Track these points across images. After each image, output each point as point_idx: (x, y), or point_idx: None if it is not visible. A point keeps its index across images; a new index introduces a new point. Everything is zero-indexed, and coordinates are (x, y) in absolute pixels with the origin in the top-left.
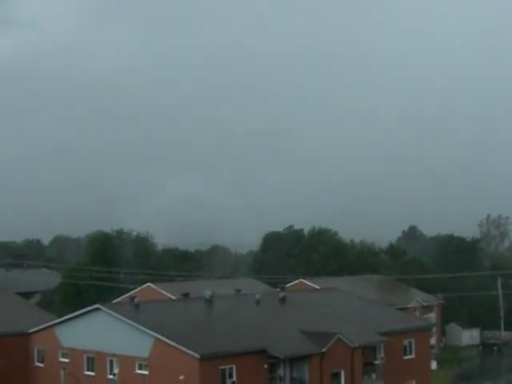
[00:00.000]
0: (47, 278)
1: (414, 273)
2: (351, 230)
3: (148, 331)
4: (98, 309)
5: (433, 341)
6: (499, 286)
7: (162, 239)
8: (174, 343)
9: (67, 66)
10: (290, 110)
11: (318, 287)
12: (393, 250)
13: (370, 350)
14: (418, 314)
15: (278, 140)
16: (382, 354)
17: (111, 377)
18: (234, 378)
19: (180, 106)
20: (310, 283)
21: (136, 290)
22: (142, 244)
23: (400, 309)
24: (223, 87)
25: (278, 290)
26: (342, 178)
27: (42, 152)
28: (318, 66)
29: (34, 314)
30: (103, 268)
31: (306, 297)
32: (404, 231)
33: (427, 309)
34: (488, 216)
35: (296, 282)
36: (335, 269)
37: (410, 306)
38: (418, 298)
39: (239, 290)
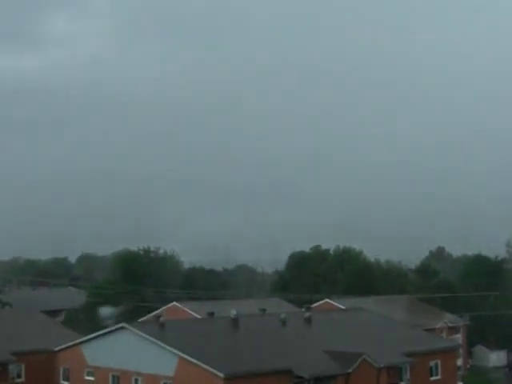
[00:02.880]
0: (73, 296)
1: (442, 293)
2: (376, 249)
3: (173, 350)
4: (123, 327)
5: (459, 362)
6: None
7: (188, 258)
8: (198, 362)
9: (95, 82)
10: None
11: (343, 307)
12: (424, 270)
13: (395, 371)
14: (444, 335)
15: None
16: (408, 375)
17: None
18: None
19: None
20: (335, 303)
21: (162, 309)
22: (169, 262)
23: (427, 330)
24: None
25: (303, 309)
26: (366, 198)
27: (69, 170)
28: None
29: (59, 332)
30: (129, 286)
31: (331, 317)
32: (431, 251)
33: (454, 330)
34: None
35: (322, 302)
36: (361, 288)
37: (436, 326)
38: (445, 319)
39: (264, 310)
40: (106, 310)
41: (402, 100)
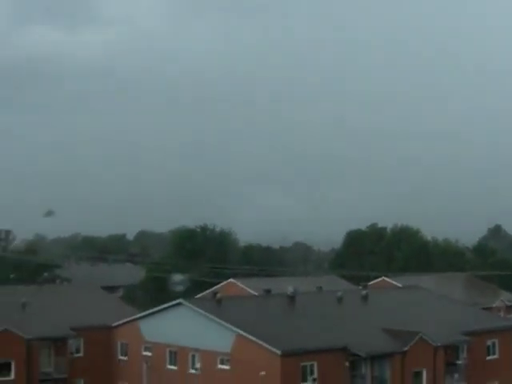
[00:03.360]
0: (131, 273)
1: (499, 272)
2: (434, 228)
3: (230, 327)
4: (180, 304)
5: None
6: None
7: (245, 236)
8: (255, 339)
9: (156, 58)
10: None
11: (400, 285)
12: (481, 249)
13: (452, 350)
14: (502, 313)
15: None
16: (465, 354)
17: (193, 371)
18: (315, 375)
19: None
20: (392, 281)
21: (218, 286)
22: (225, 240)
23: (484, 308)
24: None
25: (360, 287)
26: (425, 176)
27: (129, 150)
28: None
29: (118, 307)
30: (186, 263)
31: (388, 295)
32: (489, 229)
33: (511, 309)
34: None
35: (378, 279)
36: (418, 267)
37: (494, 305)
38: (503, 297)
39: (321, 287)
40: (177, 277)
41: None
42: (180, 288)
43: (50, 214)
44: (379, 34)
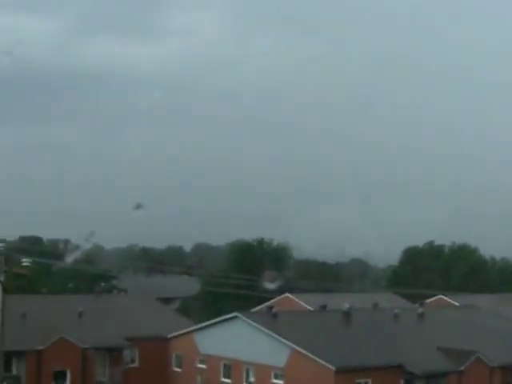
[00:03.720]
0: (187, 285)
1: None
2: (492, 246)
3: (285, 341)
4: (235, 317)
5: None
6: None
7: (302, 251)
8: (310, 354)
9: (213, 74)
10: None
11: (457, 304)
12: None
13: (509, 371)
14: None
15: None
16: None
17: None
18: None
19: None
20: (449, 300)
21: (274, 300)
22: (282, 254)
23: None
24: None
25: (416, 305)
26: (482, 194)
27: (189, 162)
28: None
29: (173, 319)
30: (243, 276)
31: (445, 313)
32: None
33: None
34: None
35: (435, 298)
36: (475, 286)
37: None
38: None
39: (377, 304)
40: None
41: None
42: (272, 287)
43: (139, 207)
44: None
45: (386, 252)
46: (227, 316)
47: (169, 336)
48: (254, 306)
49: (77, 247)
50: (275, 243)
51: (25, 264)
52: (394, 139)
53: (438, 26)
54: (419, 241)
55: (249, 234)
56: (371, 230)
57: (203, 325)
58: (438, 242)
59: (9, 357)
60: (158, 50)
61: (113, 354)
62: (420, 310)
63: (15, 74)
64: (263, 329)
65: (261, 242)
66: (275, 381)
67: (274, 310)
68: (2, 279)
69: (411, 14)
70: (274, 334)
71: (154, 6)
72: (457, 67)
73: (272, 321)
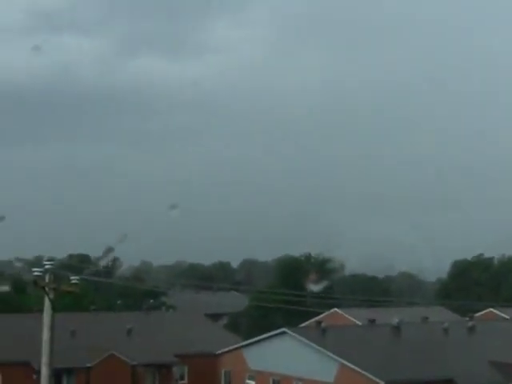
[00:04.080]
0: (235, 301)
1: None
2: None
3: (334, 356)
4: (284, 332)
5: None
6: None
7: (351, 265)
8: (359, 369)
9: (259, 93)
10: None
11: (507, 317)
12: None
13: None
14: None
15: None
16: None
17: None
18: None
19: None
20: (499, 313)
21: (323, 315)
22: (330, 268)
23: None
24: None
25: (466, 319)
26: None
27: (230, 178)
28: None
29: (222, 335)
30: (291, 291)
31: (495, 326)
32: None
33: None
34: None
35: (485, 311)
36: None
37: None
38: None
39: (427, 318)
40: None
41: None
42: (317, 288)
43: (174, 207)
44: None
45: (435, 265)
46: (276, 332)
47: (217, 352)
48: (303, 322)
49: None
50: (322, 258)
51: (74, 281)
52: (443, 151)
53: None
54: (468, 253)
55: (296, 249)
56: (420, 242)
57: (252, 341)
58: (487, 255)
59: (59, 374)
60: (198, 69)
61: (162, 370)
62: (470, 324)
63: (59, 93)
64: (312, 344)
65: (308, 256)
66: None
67: (323, 325)
68: (51, 297)
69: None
70: (322, 349)
71: (194, 24)
72: None
73: (321, 336)
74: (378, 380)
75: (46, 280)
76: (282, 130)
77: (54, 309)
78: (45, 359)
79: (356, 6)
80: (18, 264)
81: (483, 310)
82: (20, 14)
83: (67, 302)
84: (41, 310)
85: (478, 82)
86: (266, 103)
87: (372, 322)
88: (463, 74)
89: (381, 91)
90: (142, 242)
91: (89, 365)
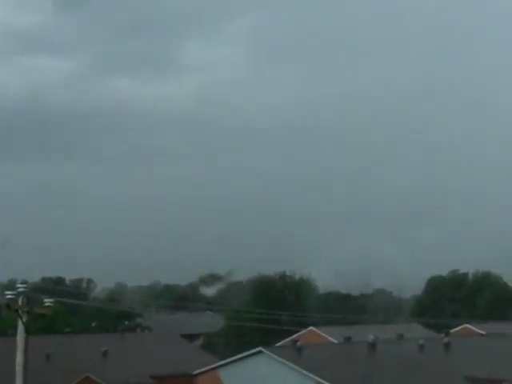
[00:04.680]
0: (211, 321)
1: None
2: None
3: (310, 375)
4: (260, 352)
5: None
6: None
7: (324, 283)
8: None
9: (234, 110)
10: None
11: (483, 332)
12: None
13: None
14: None
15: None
16: None
17: None
18: None
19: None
20: (475, 328)
21: (298, 334)
22: (304, 287)
23: None
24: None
25: (442, 335)
26: (507, 219)
27: (204, 197)
28: None
29: (198, 355)
30: (266, 311)
31: (471, 342)
32: None
33: None
34: None
35: (460, 327)
36: (501, 314)
37: None
38: None
39: (402, 335)
40: None
41: None
42: None
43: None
44: None
45: (410, 282)
46: (252, 351)
47: (194, 373)
48: (279, 341)
49: (98, 286)
50: (297, 276)
51: (47, 304)
52: (421, 163)
53: None
54: (443, 269)
55: (270, 267)
56: (396, 258)
57: (228, 360)
58: (462, 270)
59: None
60: (173, 86)
61: None
62: (445, 340)
63: (35, 114)
64: (288, 363)
65: (283, 275)
66: None
67: (299, 343)
68: (24, 320)
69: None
70: (299, 368)
71: (172, 43)
72: None
73: (297, 354)
74: None
75: (19, 303)
76: (256, 147)
77: (28, 332)
78: (19, 383)
79: (332, 24)
80: None
81: (459, 326)
82: None
83: (41, 325)
84: (15, 334)
85: (467, 94)
86: (241, 121)
87: (348, 339)
88: (444, 84)
89: (356, 107)
90: (116, 263)
91: None
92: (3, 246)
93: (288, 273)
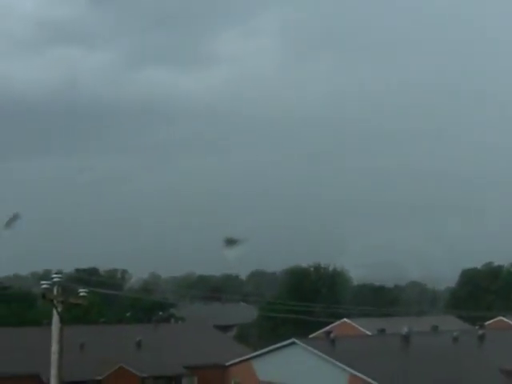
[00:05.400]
0: (244, 312)
1: None
2: None
3: (343, 366)
4: (293, 343)
5: None
6: None
7: (358, 275)
8: (369, 379)
9: (268, 103)
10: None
11: None
12: None
13: None
14: None
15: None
16: None
17: None
18: None
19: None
20: (510, 321)
21: (332, 325)
22: (339, 279)
23: None
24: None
25: (476, 327)
26: None
27: (238, 189)
28: None
29: (231, 346)
30: (300, 302)
31: (506, 335)
32: None
33: None
34: None
35: (495, 319)
36: None
37: None
38: None
39: (436, 327)
40: None
41: None
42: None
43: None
44: None
45: (444, 274)
46: (285, 342)
47: (227, 364)
48: (312, 332)
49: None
50: (332, 268)
51: (82, 294)
52: (457, 155)
53: None
54: (478, 262)
55: (305, 260)
56: (430, 251)
57: (261, 352)
58: (497, 263)
59: None
60: (210, 79)
61: (172, 382)
62: (480, 332)
63: (69, 106)
64: (321, 354)
65: (317, 267)
66: None
67: (332, 335)
68: (59, 310)
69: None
70: (332, 360)
71: (206, 34)
72: None
73: (330, 346)
74: None
75: (54, 293)
76: (290, 139)
77: (63, 321)
78: (54, 372)
79: (367, 16)
80: (28, 277)
81: (493, 318)
82: (29, 26)
83: (76, 315)
84: (50, 323)
85: (493, 92)
86: (274, 112)
87: (381, 331)
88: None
89: (388, 101)
90: (151, 254)
91: (98, 378)
92: (9, 225)
93: (323, 265)
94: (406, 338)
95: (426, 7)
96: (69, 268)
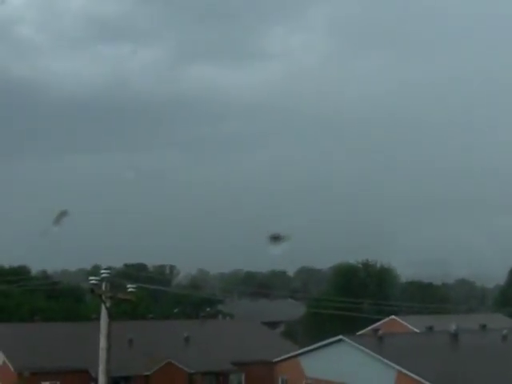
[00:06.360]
0: (292, 309)
1: None
2: None
3: (391, 364)
4: (341, 340)
5: None
6: None
7: (407, 272)
8: (417, 377)
9: (317, 99)
10: None
11: None
12: None
13: None
14: None
15: None
16: None
17: None
18: None
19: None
20: None
21: (380, 323)
22: (386, 276)
23: None
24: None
25: None
26: None
27: (286, 186)
28: None
29: (279, 343)
30: (348, 299)
31: None
32: None
33: None
34: None
35: None
36: None
37: None
38: None
39: (485, 325)
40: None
41: None
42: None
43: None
44: None
45: (493, 271)
46: (332, 339)
47: (275, 360)
48: (360, 329)
49: (181, 272)
50: (379, 265)
51: (130, 290)
52: (505, 150)
53: None
54: None
55: (352, 256)
56: (479, 248)
57: (309, 348)
58: None
59: (116, 382)
60: (259, 75)
61: (219, 378)
62: None
63: (117, 103)
64: (369, 351)
65: (366, 264)
66: None
67: (380, 332)
68: (107, 305)
69: None
70: (380, 357)
71: (255, 30)
72: None
73: (378, 343)
74: None
75: (103, 288)
76: (337, 136)
77: (111, 317)
78: (102, 367)
79: (418, 14)
80: (76, 273)
81: None
82: (79, 23)
83: (124, 310)
84: (98, 318)
85: None
86: (323, 108)
87: (429, 329)
88: None
89: (439, 97)
90: (200, 250)
91: (147, 373)
92: (57, 221)
93: (370, 261)
94: (454, 336)
95: (476, 6)
96: (118, 264)
